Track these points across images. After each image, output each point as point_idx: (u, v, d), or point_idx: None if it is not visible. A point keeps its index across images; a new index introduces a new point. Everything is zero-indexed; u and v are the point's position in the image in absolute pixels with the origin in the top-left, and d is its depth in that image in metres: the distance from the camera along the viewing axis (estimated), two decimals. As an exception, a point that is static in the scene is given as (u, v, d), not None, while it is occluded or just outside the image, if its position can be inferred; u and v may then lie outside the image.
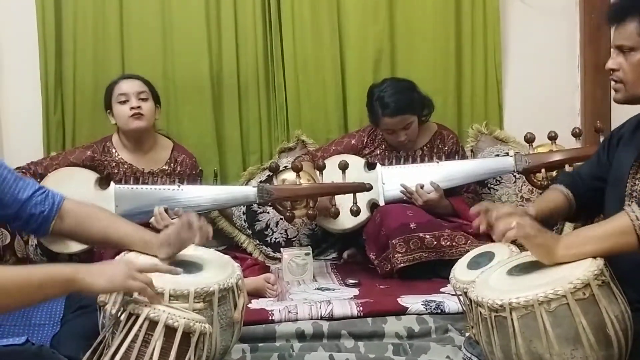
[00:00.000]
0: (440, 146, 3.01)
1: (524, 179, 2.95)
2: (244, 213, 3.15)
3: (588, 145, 2.83)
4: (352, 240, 2.99)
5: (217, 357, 1.65)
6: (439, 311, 2.26)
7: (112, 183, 2.65)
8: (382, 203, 2.83)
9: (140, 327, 1.44)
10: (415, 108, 2.89)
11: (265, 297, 2.51)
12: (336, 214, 2.69)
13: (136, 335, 1.43)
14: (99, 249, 2.53)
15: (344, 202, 2.73)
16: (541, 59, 3.41)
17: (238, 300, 1.70)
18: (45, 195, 1.73)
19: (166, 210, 2.53)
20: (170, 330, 1.44)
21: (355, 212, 2.67)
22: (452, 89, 3.37)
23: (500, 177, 3.16)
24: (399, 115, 2.84)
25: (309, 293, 2.56)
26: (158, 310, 1.45)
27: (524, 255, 1.67)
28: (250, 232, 3.15)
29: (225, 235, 3.18)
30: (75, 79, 3.23)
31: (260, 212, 3.14)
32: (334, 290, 2.59)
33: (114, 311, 1.50)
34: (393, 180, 2.85)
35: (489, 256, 1.79)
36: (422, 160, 2.89)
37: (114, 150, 2.82)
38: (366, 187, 2.65)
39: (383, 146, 3.01)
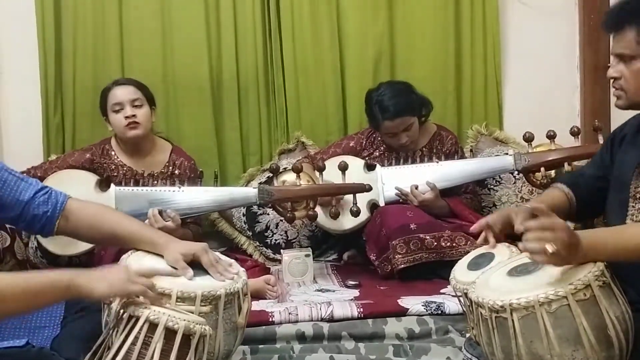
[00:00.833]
0: (439, 147, 3.01)
1: (524, 179, 2.95)
2: (244, 215, 3.15)
3: (587, 144, 2.83)
4: (352, 242, 2.98)
5: (219, 361, 1.65)
6: (440, 312, 2.26)
7: (112, 185, 2.65)
8: (382, 203, 2.83)
9: (141, 329, 1.44)
10: (415, 109, 2.90)
11: (266, 299, 2.51)
12: (336, 215, 2.69)
13: (136, 338, 1.43)
14: (99, 251, 2.53)
15: (344, 202, 2.73)
16: (540, 59, 3.42)
17: (243, 305, 1.71)
18: (49, 195, 1.72)
19: (160, 213, 2.52)
20: (170, 333, 1.44)
21: (355, 213, 2.66)
22: (451, 89, 3.37)
23: (500, 177, 3.16)
24: (399, 118, 2.84)
25: (309, 294, 2.56)
26: (158, 312, 1.45)
27: (524, 256, 1.66)
28: (251, 233, 3.15)
29: (226, 237, 3.18)
30: (75, 81, 3.23)
31: (261, 214, 3.14)
32: (334, 291, 2.59)
33: (115, 310, 1.49)
34: (393, 180, 2.85)
35: (489, 257, 1.78)
36: (422, 161, 2.89)
37: (113, 153, 2.82)
38: (366, 188, 2.65)
39: (382, 148, 3.01)
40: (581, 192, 1.88)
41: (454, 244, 2.64)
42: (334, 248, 3.18)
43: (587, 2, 3.32)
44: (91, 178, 2.69)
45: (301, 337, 2.18)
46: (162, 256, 1.72)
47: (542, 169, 2.75)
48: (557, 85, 3.44)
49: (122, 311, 1.48)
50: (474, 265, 1.78)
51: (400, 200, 2.82)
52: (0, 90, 3.27)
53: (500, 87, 3.43)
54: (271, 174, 2.90)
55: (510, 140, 3.30)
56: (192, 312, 1.54)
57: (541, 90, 3.43)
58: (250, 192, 2.65)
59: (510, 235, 1.69)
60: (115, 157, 2.82)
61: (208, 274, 1.70)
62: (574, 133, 2.78)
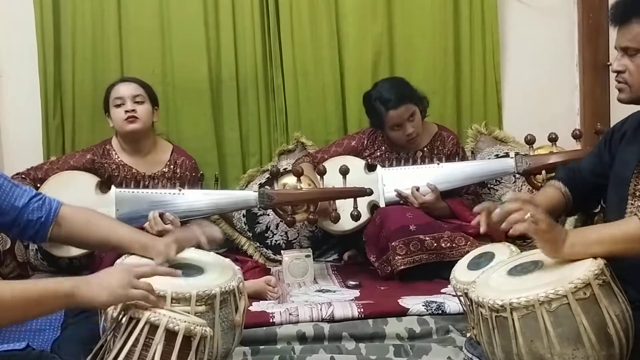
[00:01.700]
0: (440, 147, 3.00)
1: (524, 179, 2.94)
2: (244, 216, 3.15)
3: (589, 147, 2.82)
4: (352, 242, 2.98)
5: (218, 361, 1.65)
6: (440, 312, 2.26)
7: (112, 187, 2.65)
8: (382, 204, 2.83)
9: (141, 331, 1.44)
10: (415, 96, 2.90)
11: (266, 300, 2.51)
12: (337, 219, 2.69)
13: (137, 340, 1.43)
14: (100, 253, 2.53)
15: (344, 205, 2.72)
16: (540, 58, 3.42)
17: (239, 303, 1.70)
18: (42, 201, 1.73)
19: (161, 216, 2.52)
20: (171, 334, 1.44)
21: (356, 217, 2.67)
22: (451, 89, 3.37)
23: (500, 177, 3.16)
24: (402, 105, 2.83)
25: (309, 295, 2.56)
26: (158, 314, 1.45)
27: (524, 255, 1.67)
28: (251, 234, 3.15)
29: (226, 238, 3.16)
30: (74, 83, 3.23)
31: (261, 215, 3.14)
32: (334, 292, 2.59)
33: (114, 315, 1.49)
34: (393, 181, 2.85)
35: (489, 256, 1.79)
36: (423, 162, 2.89)
37: (113, 153, 2.82)
38: (367, 192, 2.64)
39: (383, 148, 3.01)
40: (577, 187, 1.88)
41: (453, 245, 2.64)
42: (334, 248, 3.17)
43: (586, 1, 3.32)
44: (92, 180, 2.69)
45: (302, 338, 2.18)
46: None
47: (543, 171, 2.74)
48: (557, 84, 3.44)
49: (122, 313, 1.48)
50: (474, 264, 1.78)
51: (401, 202, 2.82)
52: (0, 92, 3.26)
53: (500, 87, 3.43)
54: (271, 177, 2.89)
55: (510, 139, 3.30)
56: (188, 312, 1.54)
57: (540, 89, 3.43)
58: (250, 195, 2.65)
59: (511, 235, 1.70)
60: (116, 157, 2.82)
61: (202, 273, 1.70)
62: (576, 136, 2.77)
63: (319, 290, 2.62)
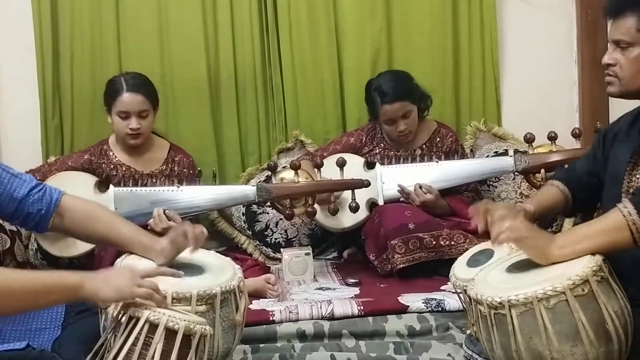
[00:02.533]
0: (439, 144, 3.00)
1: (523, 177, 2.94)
2: (243, 214, 3.15)
3: (588, 145, 2.81)
4: (352, 240, 2.99)
5: (219, 360, 1.66)
6: (440, 309, 2.26)
7: (111, 186, 2.66)
8: (381, 202, 2.83)
9: (141, 330, 1.44)
10: (414, 96, 2.89)
11: (266, 298, 2.51)
12: (335, 211, 2.69)
13: (137, 338, 1.43)
14: (99, 253, 2.53)
15: (342, 200, 2.73)
16: (538, 55, 3.41)
17: (240, 302, 1.71)
18: (43, 192, 1.71)
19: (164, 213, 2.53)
20: (170, 333, 1.44)
21: (355, 209, 2.66)
22: (449, 86, 3.37)
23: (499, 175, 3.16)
24: (398, 102, 2.83)
25: (309, 293, 2.56)
26: (158, 313, 1.45)
27: (523, 253, 1.67)
28: (250, 232, 3.15)
29: (225, 237, 3.18)
30: (73, 83, 3.22)
31: (260, 213, 3.14)
32: (334, 289, 2.59)
33: (114, 314, 1.50)
34: (392, 179, 2.85)
35: (488, 253, 1.79)
36: (422, 160, 2.89)
37: (111, 153, 2.83)
38: (364, 183, 2.65)
39: (382, 145, 3.01)
40: (576, 188, 1.89)
41: (452, 242, 2.64)
42: (334, 246, 3.18)
43: (584, -3, 3.33)
44: (90, 180, 2.69)
45: (302, 336, 2.19)
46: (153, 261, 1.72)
47: (543, 170, 2.74)
48: (555, 80, 3.44)
49: (122, 312, 1.48)
50: (474, 262, 1.78)
51: (401, 199, 2.82)
52: (-1, 92, 3.27)
53: (499, 83, 3.42)
54: (269, 172, 2.90)
55: (509, 136, 3.30)
56: (189, 312, 1.54)
57: (539, 86, 3.43)
58: (248, 190, 2.66)
59: None
60: (114, 156, 2.82)
61: (202, 273, 1.71)
62: (576, 135, 2.77)
63: (319, 288, 2.62)
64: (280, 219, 3.08)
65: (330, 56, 3.32)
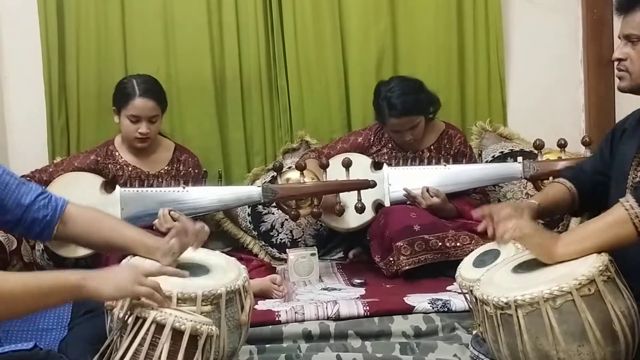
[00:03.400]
0: (447, 146, 2.99)
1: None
2: (249, 214, 3.15)
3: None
4: (357, 240, 2.98)
5: (225, 360, 1.66)
6: (446, 309, 2.26)
7: (117, 186, 2.66)
8: (387, 204, 2.82)
9: (148, 330, 1.44)
10: (422, 109, 2.88)
11: (272, 298, 2.51)
12: (341, 212, 2.69)
13: (143, 339, 1.44)
14: (106, 253, 2.53)
15: (348, 200, 2.73)
16: (544, 54, 3.41)
17: (245, 302, 1.71)
18: (48, 199, 1.73)
19: (170, 213, 2.54)
20: (177, 333, 1.44)
21: (360, 209, 2.66)
22: (455, 86, 3.37)
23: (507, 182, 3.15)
24: (405, 117, 2.82)
25: (315, 293, 2.56)
26: (165, 313, 1.46)
27: (529, 253, 1.66)
28: (256, 233, 3.15)
29: (231, 237, 3.18)
30: (79, 83, 3.23)
31: (266, 213, 3.14)
32: (340, 290, 2.59)
33: (121, 315, 1.50)
34: (399, 181, 2.84)
35: (494, 254, 1.79)
36: (430, 162, 2.88)
37: (117, 153, 2.83)
38: (370, 184, 2.64)
39: (390, 145, 3.00)
40: (583, 186, 1.88)
41: (458, 244, 2.63)
42: (340, 247, 3.17)
43: (590, -4, 3.32)
44: (97, 180, 2.70)
45: (308, 336, 2.18)
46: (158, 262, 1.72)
47: (551, 177, 2.72)
48: (561, 80, 3.43)
49: (128, 313, 1.49)
50: (480, 262, 1.78)
51: (408, 202, 2.81)
52: (5, 93, 3.27)
53: (504, 83, 3.42)
54: (275, 172, 2.90)
55: (515, 136, 3.30)
56: (194, 312, 1.54)
57: (545, 85, 3.42)
58: (254, 190, 2.67)
59: None
60: (120, 157, 2.83)
61: (208, 273, 1.71)
62: (586, 143, 2.74)
63: (325, 289, 2.62)
64: (286, 220, 3.08)
65: (336, 56, 3.32)
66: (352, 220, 2.81)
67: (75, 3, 3.21)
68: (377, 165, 2.89)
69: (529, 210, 1.75)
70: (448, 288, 2.45)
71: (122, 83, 2.78)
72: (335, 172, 2.71)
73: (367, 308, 2.27)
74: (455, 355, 2.05)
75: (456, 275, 1.80)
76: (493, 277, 1.60)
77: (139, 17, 3.25)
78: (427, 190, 2.76)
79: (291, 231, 3.14)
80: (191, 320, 1.46)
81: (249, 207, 3.12)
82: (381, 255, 2.71)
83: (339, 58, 3.33)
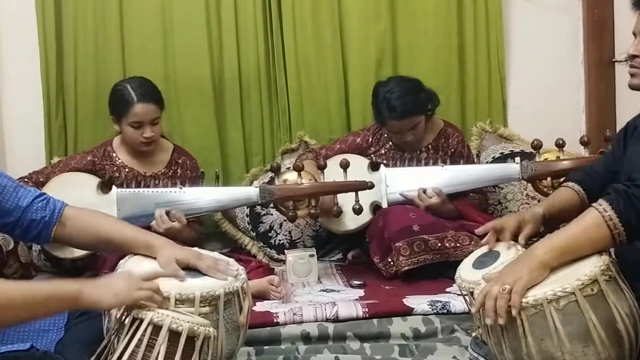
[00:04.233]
0: (445, 145, 2.98)
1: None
2: (247, 215, 3.14)
3: (597, 153, 2.76)
4: (356, 241, 2.97)
5: (223, 361, 1.64)
6: (445, 311, 2.25)
7: (113, 187, 2.65)
8: (385, 205, 2.81)
9: (145, 331, 1.43)
10: (422, 109, 2.86)
11: (270, 300, 2.50)
12: (338, 213, 2.67)
13: (140, 340, 1.43)
14: (103, 254, 2.52)
15: (346, 202, 2.71)
16: (545, 55, 3.40)
17: (243, 304, 1.69)
18: (46, 201, 1.73)
19: (167, 213, 2.52)
20: (174, 335, 1.43)
21: (358, 211, 2.65)
22: (455, 86, 3.36)
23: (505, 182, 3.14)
24: (406, 118, 2.81)
25: (313, 295, 2.54)
26: (162, 314, 1.45)
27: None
28: (254, 234, 3.14)
29: (229, 238, 3.17)
30: (77, 83, 3.22)
31: (264, 214, 3.13)
32: (338, 291, 2.58)
33: (118, 316, 1.49)
34: (397, 182, 2.83)
35: (494, 255, 1.77)
36: (427, 162, 2.87)
37: (114, 155, 2.81)
38: (367, 185, 2.63)
39: (388, 145, 2.98)
40: (593, 188, 1.86)
41: (457, 244, 2.61)
42: (338, 248, 3.16)
43: (591, -3, 3.31)
44: (93, 181, 2.69)
45: (306, 338, 2.17)
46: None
47: (549, 177, 2.71)
48: (562, 81, 3.43)
49: (125, 314, 1.47)
50: (480, 263, 1.77)
51: (406, 204, 2.80)
52: (2, 93, 3.26)
53: (504, 84, 3.41)
54: (273, 173, 2.89)
55: (515, 137, 3.29)
56: (192, 314, 1.53)
57: (545, 86, 3.42)
58: (251, 191, 2.65)
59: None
60: (117, 158, 2.81)
61: (205, 274, 1.69)
62: (585, 143, 2.72)
63: (323, 290, 2.60)
64: (285, 221, 3.06)
65: (335, 57, 3.31)
66: (350, 222, 2.79)
67: (73, 2, 3.20)
68: (374, 166, 2.88)
69: (532, 222, 1.75)
70: (447, 289, 2.44)
71: (117, 90, 2.73)
72: (332, 172, 2.69)
73: (366, 309, 2.26)
74: (454, 357, 2.04)
75: (456, 276, 1.79)
76: (494, 280, 1.58)
77: (137, 17, 3.24)
78: (424, 192, 2.74)
79: (290, 232, 3.12)
80: (188, 322, 1.45)
81: (247, 208, 3.11)
82: (380, 256, 2.70)
83: (339, 58, 3.32)
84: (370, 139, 3.00)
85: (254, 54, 3.28)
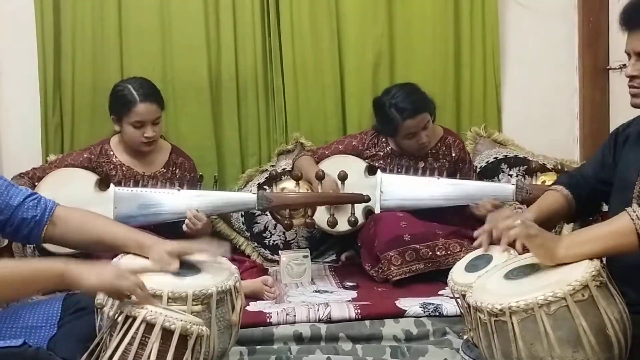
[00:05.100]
0: (445, 152, 2.97)
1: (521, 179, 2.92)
2: (242, 215, 3.14)
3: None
4: (350, 243, 2.98)
5: (215, 360, 1.65)
6: (437, 314, 2.26)
7: (111, 185, 2.65)
8: (377, 211, 2.81)
9: (137, 329, 1.43)
10: (430, 106, 2.88)
11: (263, 300, 2.50)
12: (334, 224, 2.68)
13: (133, 338, 1.43)
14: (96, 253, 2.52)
15: (343, 209, 2.71)
16: (540, 61, 3.42)
17: (236, 303, 1.70)
18: (38, 200, 1.73)
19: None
20: (167, 333, 1.44)
21: (353, 223, 2.67)
22: (450, 91, 3.37)
23: (498, 177, 3.15)
24: (420, 114, 2.81)
25: (307, 295, 2.55)
26: (155, 312, 1.45)
27: (521, 258, 1.66)
28: (249, 234, 3.15)
29: (224, 238, 3.17)
30: (74, 82, 3.22)
31: (259, 215, 3.13)
32: (332, 292, 2.59)
33: (111, 313, 1.49)
34: (391, 189, 2.83)
35: (486, 259, 1.78)
36: (424, 171, 2.88)
37: (112, 153, 2.81)
38: (364, 199, 2.64)
39: (385, 151, 2.97)
40: (581, 192, 1.87)
41: (448, 252, 2.62)
42: (332, 249, 3.17)
43: (587, 4, 3.32)
44: (91, 177, 2.68)
45: (299, 338, 2.18)
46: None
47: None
48: (556, 87, 3.44)
49: (118, 311, 1.48)
50: (472, 267, 1.77)
51: (399, 209, 2.80)
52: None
53: (500, 89, 3.43)
54: (270, 177, 2.89)
55: (509, 142, 3.30)
56: (185, 312, 1.53)
57: (540, 92, 3.43)
58: (249, 197, 2.66)
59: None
60: (114, 157, 2.80)
61: (199, 273, 1.69)
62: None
63: (316, 291, 2.61)
64: (279, 223, 3.07)
65: (332, 59, 3.32)
66: (342, 225, 2.80)
67: (72, 1, 3.20)
68: (371, 170, 2.88)
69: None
70: (440, 292, 2.45)
71: (118, 90, 2.72)
72: (331, 172, 2.70)
73: (359, 311, 2.27)
74: (445, 360, 2.05)
75: (448, 279, 1.80)
76: (486, 284, 1.59)
77: (135, 16, 3.25)
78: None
79: (284, 233, 3.13)
80: (181, 320, 1.45)
81: (242, 208, 3.11)
82: (371, 263, 2.71)
83: (336, 61, 3.33)
84: (367, 142, 2.99)
85: (251, 55, 3.29)
